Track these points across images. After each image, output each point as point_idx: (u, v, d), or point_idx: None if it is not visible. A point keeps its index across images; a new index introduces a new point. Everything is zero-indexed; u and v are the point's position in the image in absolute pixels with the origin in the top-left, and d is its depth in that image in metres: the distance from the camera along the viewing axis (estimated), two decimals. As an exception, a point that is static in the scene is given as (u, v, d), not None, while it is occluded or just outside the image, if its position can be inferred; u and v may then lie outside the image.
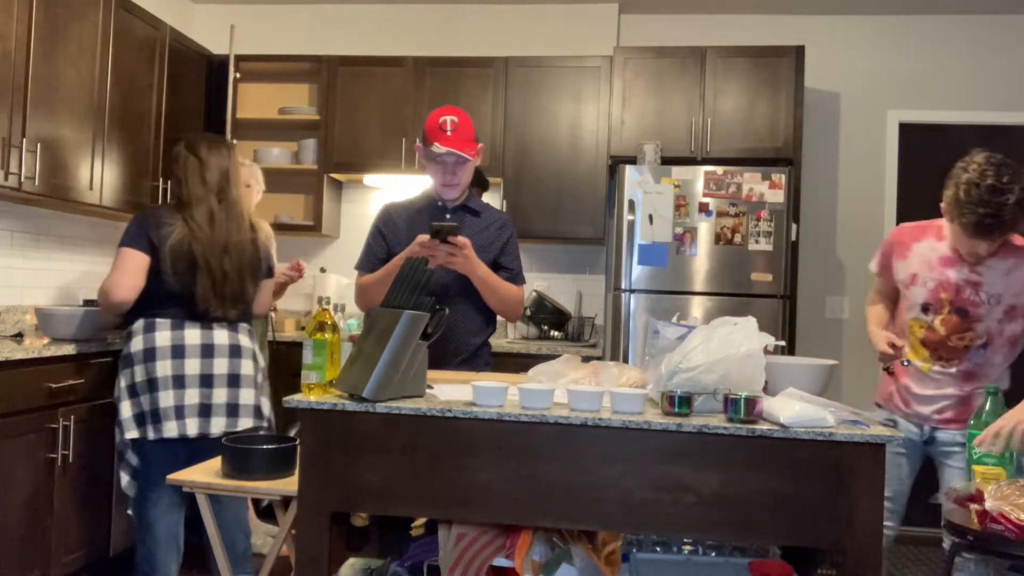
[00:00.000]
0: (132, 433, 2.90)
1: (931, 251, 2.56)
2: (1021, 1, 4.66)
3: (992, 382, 2.44)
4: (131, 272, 2.88)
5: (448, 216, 2.71)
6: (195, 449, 2.98)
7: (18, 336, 3.48)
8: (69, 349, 3.14)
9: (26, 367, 2.95)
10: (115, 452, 3.20)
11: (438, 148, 2.57)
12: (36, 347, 3.02)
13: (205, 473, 2.58)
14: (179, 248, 2.88)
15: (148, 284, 2.91)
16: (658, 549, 2.30)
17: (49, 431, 3.07)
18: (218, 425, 2.95)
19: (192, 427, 2.91)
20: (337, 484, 1.90)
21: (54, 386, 3.07)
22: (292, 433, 2.75)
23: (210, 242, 2.91)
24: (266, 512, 4.09)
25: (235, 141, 4.82)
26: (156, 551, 2.97)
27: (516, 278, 2.76)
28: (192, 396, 2.91)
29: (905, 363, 2.57)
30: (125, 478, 3.00)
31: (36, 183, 3.34)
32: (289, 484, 2.43)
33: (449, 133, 2.58)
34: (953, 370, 2.52)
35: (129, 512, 3.07)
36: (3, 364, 2.83)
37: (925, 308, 2.56)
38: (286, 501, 2.72)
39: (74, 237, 4.17)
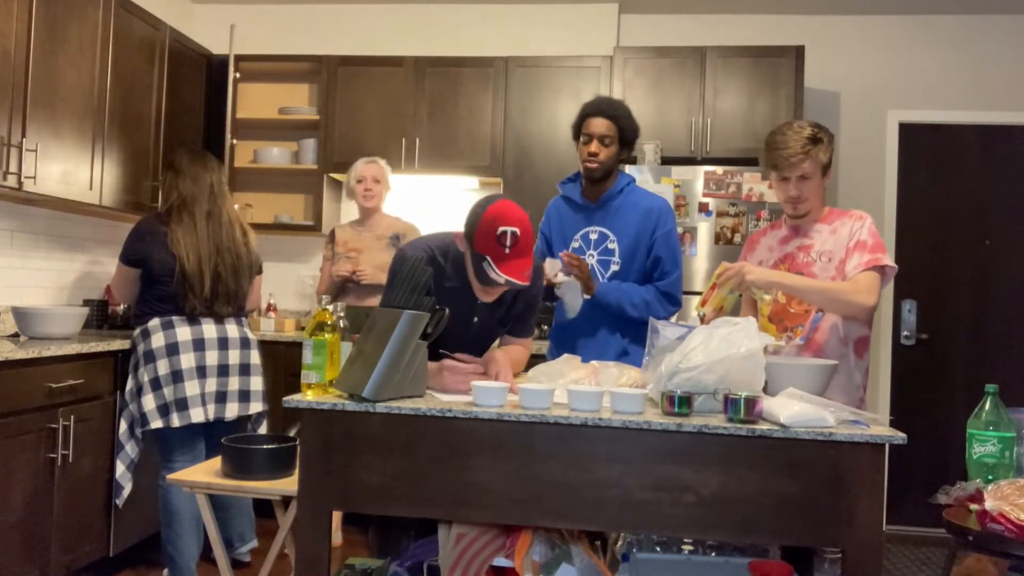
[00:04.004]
0: (156, 423, 3.14)
1: (773, 238, 2.69)
2: (1021, 1, 4.66)
3: (834, 355, 2.48)
4: (119, 285, 3.34)
5: (475, 320, 2.40)
6: (209, 433, 3.33)
7: (16, 336, 3.48)
8: (69, 349, 3.14)
9: (26, 367, 2.95)
10: (114, 444, 3.36)
11: (494, 274, 2.12)
12: (36, 347, 3.02)
13: (205, 473, 2.58)
14: (164, 256, 3.18)
15: (153, 288, 3.22)
16: (658, 549, 2.30)
17: (49, 431, 3.07)
18: (232, 410, 3.28)
19: (210, 412, 3.22)
20: (337, 484, 1.90)
21: (54, 386, 3.07)
22: (292, 433, 2.76)
23: (191, 245, 3.19)
24: (266, 512, 4.09)
25: (235, 141, 4.83)
26: (181, 535, 3.18)
27: (524, 332, 2.56)
28: (211, 384, 3.23)
29: (701, 314, 2.58)
30: (121, 468, 3.23)
31: (36, 183, 3.34)
32: (289, 484, 2.44)
33: (508, 249, 2.11)
34: (799, 340, 2.53)
35: (167, 506, 3.26)
36: (3, 364, 2.83)
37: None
38: (286, 501, 2.72)
39: (74, 237, 4.17)
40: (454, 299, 2.29)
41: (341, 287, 4.04)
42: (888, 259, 2.46)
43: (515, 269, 2.13)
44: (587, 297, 2.79)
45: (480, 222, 2.14)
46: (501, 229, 2.11)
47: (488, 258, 2.12)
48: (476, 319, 2.40)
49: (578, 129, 2.87)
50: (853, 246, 2.48)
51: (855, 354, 2.54)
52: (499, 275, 2.11)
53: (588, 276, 2.75)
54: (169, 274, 3.18)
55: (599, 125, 2.81)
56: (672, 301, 2.82)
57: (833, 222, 2.57)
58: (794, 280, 2.41)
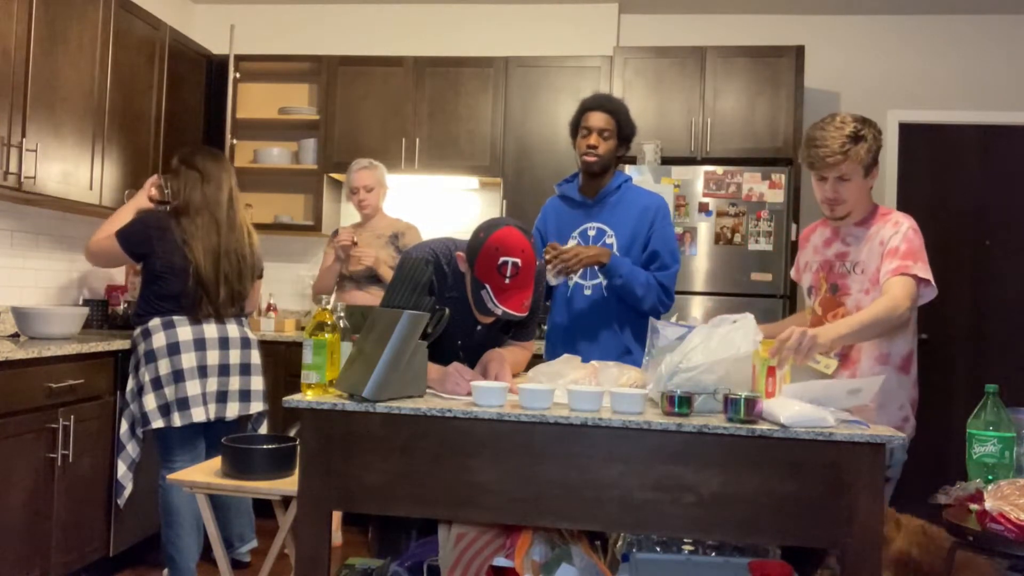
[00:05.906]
0: (158, 423, 3.13)
1: (819, 237, 2.58)
2: (1021, 1, 4.66)
3: (864, 370, 2.38)
4: (103, 255, 3.25)
5: (479, 328, 2.39)
6: (209, 433, 3.32)
7: (16, 336, 3.48)
8: (69, 349, 3.14)
9: (26, 367, 2.95)
10: (115, 444, 3.36)
11: (492, 305, 2.11)
12: (36, 347, 3.02)
13: (205, 473, 2.58)
14: (177, 254, 3.15)
15: (154, 285, 3.19)
16: (658, 549, 2.30)
17: (49, 431, 3.07)
18: (232, 410, 3.27)
19: (211, 412, 3.22)
20: (337, 484, 1.90)
21: (54, 386, 3.07)
22: (292, 433, 2.76)
23: (209, 248, 3.18)
24: (266, 512, 4.09)
25: (235, 141, 4.83)
26: (181, 535, 3.18)
27: (525, 336, 2.58)
28: (212, 384, 3.22)
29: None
30: (122, 468, 3.23)
31: (36, 183, 3.34)
32: (289, 484, 2.44)
33: (508, 280, 2.09)
34: (832, 355, 2.43)
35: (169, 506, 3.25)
36: (3, 364, 2.83)
37: (810, 291, 2.56)
38: (286, 501, 2.72)
39: (74, 237, 4.17)
40: (456, 308, 2.27)
41: (339, 281, 4.04)
42: (920, 268, 2.29)
43: (514, 301, 2.11)
44: (578, 280, 2.85)
45: (482, 249, 2.10)
46: (502, 260, 2.08)
47: (488, 287, 2.09)
48: (479, 327, 2.39)
49: (576, 124, 2.89)
50: (885, 254, 2.35)
51: (900, 371, 2.40)
52: (497, 306, 2.10)
53: (584, 258, 2.69)
54: (172, 273, 3.15)
55: (598, 119, 2.83)
56: (668, 294, 2.83)
57: (870, 226, 2.42)
58: (850, 327, 2.19)
